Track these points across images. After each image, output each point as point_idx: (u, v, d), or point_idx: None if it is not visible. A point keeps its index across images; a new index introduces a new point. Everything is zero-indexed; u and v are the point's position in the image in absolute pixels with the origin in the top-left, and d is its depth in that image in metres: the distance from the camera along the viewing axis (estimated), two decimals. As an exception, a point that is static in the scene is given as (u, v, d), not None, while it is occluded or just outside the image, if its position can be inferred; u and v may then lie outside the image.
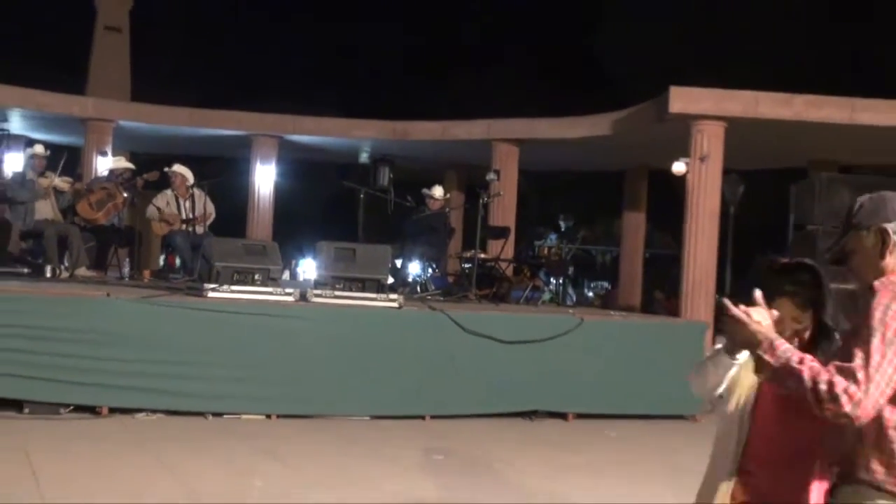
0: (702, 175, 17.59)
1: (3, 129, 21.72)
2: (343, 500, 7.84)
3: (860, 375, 3.54)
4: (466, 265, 18.05)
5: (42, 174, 15.05)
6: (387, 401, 11.92)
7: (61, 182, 15.29)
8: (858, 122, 17.65)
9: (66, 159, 16.81)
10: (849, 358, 3.64)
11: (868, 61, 35.85)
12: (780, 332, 4.00)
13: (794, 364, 3.64)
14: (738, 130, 17.61)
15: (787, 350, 3.73)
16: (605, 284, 28.47)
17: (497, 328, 12.32)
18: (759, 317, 3.90)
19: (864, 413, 3.55)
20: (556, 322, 12.56)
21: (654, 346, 13.18)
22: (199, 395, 11.21)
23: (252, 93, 32.12)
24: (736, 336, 3.95)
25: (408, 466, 9.44)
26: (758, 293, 3.99)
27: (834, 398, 3.53)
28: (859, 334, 3.74)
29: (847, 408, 3.52)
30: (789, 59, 35.98)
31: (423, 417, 11.94)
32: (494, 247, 19.38)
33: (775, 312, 3.98)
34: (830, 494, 4.02)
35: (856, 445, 3.83)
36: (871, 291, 3.88)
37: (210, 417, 11.12)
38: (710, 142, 17.50)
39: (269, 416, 11.40)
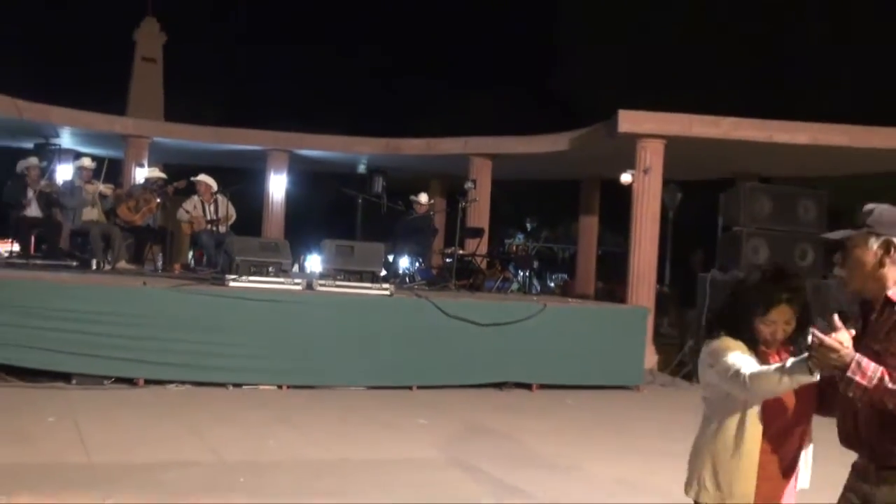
0: (645, 184, 17.58)
1: (55, 144, 21.62)
2: (344, 456, 7.82)
3: None
4: (448, 260, 18.05)
5: (88, 182, 15.03)
6: (380, 373, 11.95)
7: (105, 189, 15.28)
8: (775, 140, 17.67)
9: (108, 169, 16.77)
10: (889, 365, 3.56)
11: (784, 88, 35.91)
12: (776, 336, 4.02)
13: (889, 385, 3.49)
14: (675, 147, 17.59)
15: (875, 369, 3.53)
16: (564, 276, 28.58)
17: (473, 313, 12.36)
18: (844, 338, 3.63)
19: None
20: (522, 308, 12.59)
21: (605, 328, 13.25)
22: (222, 368, 11.22)
23: (267, 114, 32.09)
24: (826, 361, 3.58)
25: (399, 429, 9.47)
26: (836, 318, 3.68)
27: None
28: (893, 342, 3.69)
29: None
30: (721, 84, 36.07)
31: (410, 388, 11.96)
32: (471, 244, 19.35)
33: (853, 332, 3.69)
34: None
35: None
36: (888, 301, 3.78)
37: (230, 388, 11.13)
38: (652, 156, 17.48)
39: (280, 387, 11.40)
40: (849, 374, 3.51)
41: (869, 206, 3.91)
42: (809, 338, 3.65)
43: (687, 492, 4.06)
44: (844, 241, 3.95)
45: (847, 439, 3.89)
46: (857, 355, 3.53)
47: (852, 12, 38.55)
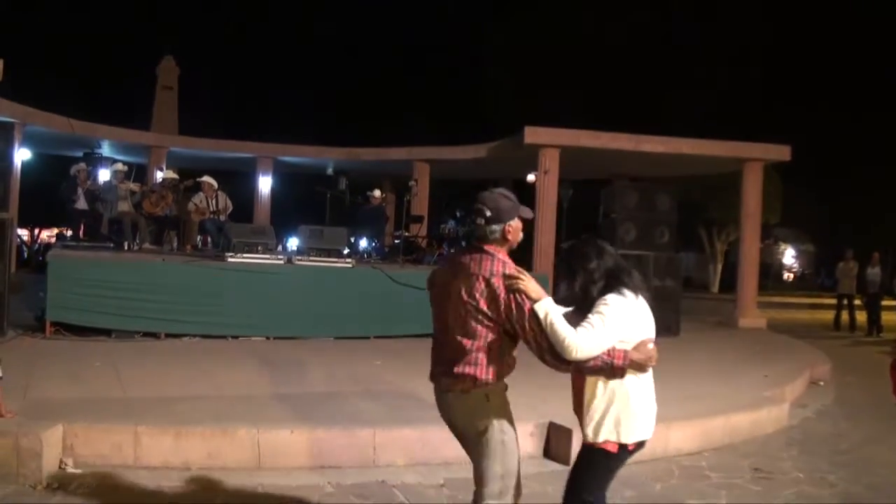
0: (545, 183, 17.79)
1: (97, 153, 21.52)
2: (316, 388, 7.93)
3: None
4: (396, 241, 18.13)
5: (122, 182, 15.01)
6: (345, 327, 12.06)
7: (134, 187, 15.24)
8: (642, 150, 17.97)
9: (137, 172, 16.75)
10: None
11: (651, 104, 36.28)
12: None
13: None
14: (567, 154, 17.82)
15: None
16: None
17: (415, 280, 12.42)
18: None
19: None
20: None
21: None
22: (223, 324, 11.31)
23: (256, 128, 32.05)
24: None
25: (358, 368, 9.57)
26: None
27: None
28: None
29: None
30: (604, 102, 36.50)
31: (368, 338, 12.08)
32: (414, 228, 19.46)
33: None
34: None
35: None
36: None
37: (230, 339, 11.20)
38: (550, 161, 17.70)
39: (268, 338, 11.49)
40: None
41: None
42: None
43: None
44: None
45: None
46: None
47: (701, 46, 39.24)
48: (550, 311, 3.68)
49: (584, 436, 3.92)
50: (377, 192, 18.40)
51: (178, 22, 51.13)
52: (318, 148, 24.98)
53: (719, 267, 44.99)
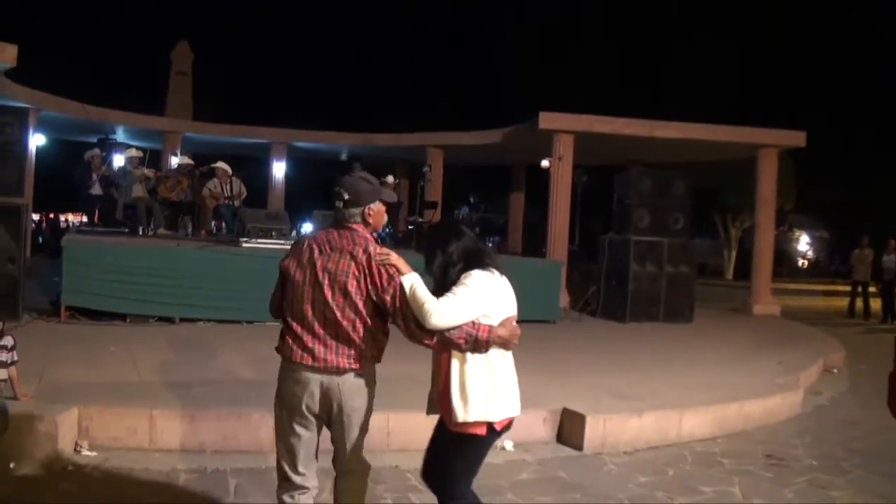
0: (559, 169, 17.72)
1: (112, 138, 21.60)
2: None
3: None
4: (410, 226, 18.15)
5: (136, 168, 15.05)
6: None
7: (148, 172, 15.27)
8: (656, 135, 17.87)
9: (151, 158, 16.82)
10: None
11: (666, 93, 36.21)
12: None
13: None
14: (582, 140, 17.75)
15: None
16: (498, 238, 28.67)
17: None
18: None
19: None
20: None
21: (530, 276, 13.30)
22: (238, 309, 11.27)
23: (270, 113, 32.06)
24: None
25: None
26: None
27: None
28: None
29: None
30: (620, 87, 36.45)
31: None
32: (428, 214, 19.46)
33: None
34: None
35: None
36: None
37: (244, 324, 11.19)
38: (564, 147, 17.62)
39: (282, 323, 11.49)
40: None
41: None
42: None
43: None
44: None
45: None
46: None
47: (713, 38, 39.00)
48: (416, 282, 3.76)
49: (451, 420, 3.80)
50: (391, 178, 18.38)
51: (192, 6, 51.23)
52: (332, 133, 24.96)
53: (734, 253, 44.86)
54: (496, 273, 3.94)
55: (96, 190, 14.90)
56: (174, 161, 18.07)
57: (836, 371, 11.90)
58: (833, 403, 9.66)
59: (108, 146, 19.07)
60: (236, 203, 15.31)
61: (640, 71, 39.75)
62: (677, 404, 7.59)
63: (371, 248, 3.88)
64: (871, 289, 20.59)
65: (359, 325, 3.84)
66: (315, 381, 3.90)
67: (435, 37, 54.30)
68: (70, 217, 36.06)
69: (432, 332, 3.72)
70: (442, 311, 3.67)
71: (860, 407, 9.50)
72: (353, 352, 3.86)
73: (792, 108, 36.68)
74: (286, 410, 4.03)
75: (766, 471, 6.59)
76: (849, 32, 47.87)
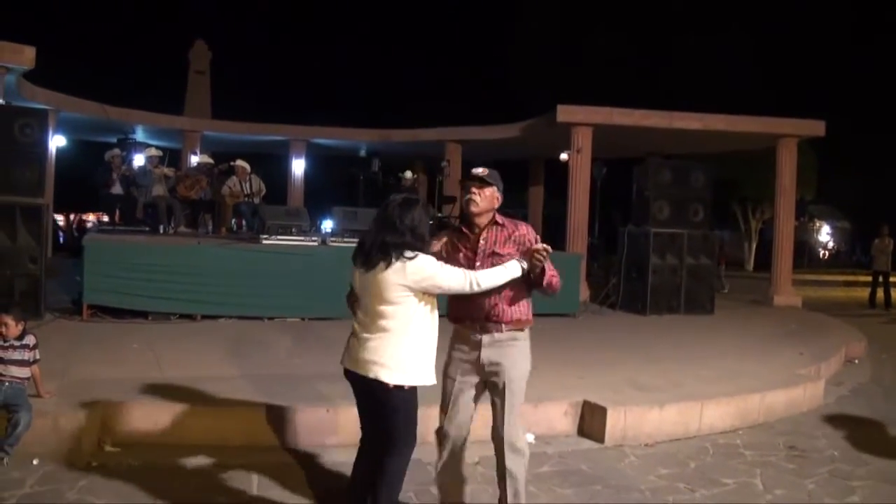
0: (578, 162, 17.69)
1: (131, 138, 21.77)
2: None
3: None
4: (430, 221, 18.15)
5: (156, 167, 15.13)
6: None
7: (168, 171, 15.39)
8: (675, 126, 17.82)
9: (170, 157, 16.92)
10: None
11: (685, 85, 36.05)
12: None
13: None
14: (601, 132, 17.70)
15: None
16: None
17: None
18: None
19: None
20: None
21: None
22: (259, 305, 11.35)
23: (290, 111, 32.18)
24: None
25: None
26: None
27: None
28: None
29: None
30: (638, 80, 36.34)
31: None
32: (447, 209, 19.47)
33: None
34: None
35: None
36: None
37: (265, 320, 11.25)
38: (583, 140, 17.58)
39: (303, 319, 11.53)
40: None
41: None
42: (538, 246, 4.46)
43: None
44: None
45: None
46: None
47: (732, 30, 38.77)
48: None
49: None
50: (409, 174, 18.45)
51: (209, 5, 51.37)
52: (350, 130, 25.04)
53: (754, 245, 44.64)
54: None
55: (116, 189, 14.99)
56: (193, 160, 18.17)
57: (857, 361, 11.83)
58: (855, 394, 9.60)
59: (128, 146, 19.21)
60: (256, 200, 15.37)
61: (658, 63, 39.57)
62: (698, 396, 7.56)
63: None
64: (892, 278, 20.44)
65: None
66: None
67: (452, 32, 54.26)
68: (91, 216, 36.30)
69: None
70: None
71: (883, 397, 9.45)
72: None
73: (811, 98, 36.50)
74: None
75: (788, 462, 6.56)
76: (869, 22, 47.52)
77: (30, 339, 5.95)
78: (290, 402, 6.46)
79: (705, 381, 8.28)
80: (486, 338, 4.57)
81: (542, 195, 27.99)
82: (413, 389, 4.30)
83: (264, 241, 11.89)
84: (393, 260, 4.23)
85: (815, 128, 18.21)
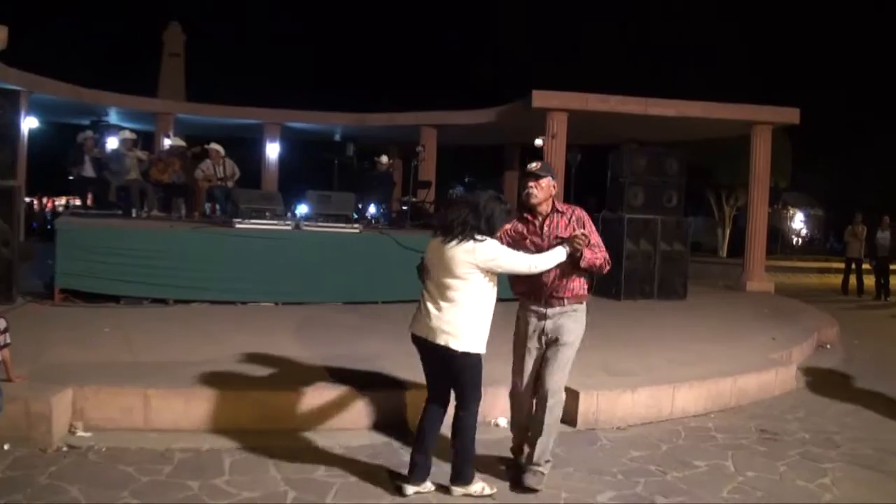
0: (553, 147, 17.73)
1: (104, 121, 21.60)
2: (330, 352, 7.93)
3: None
4: (404, 206, 18.14)
5: (129, 150, 15.02)
6: (353, 292, 12.04)
7: (141, 154, 15.25)
8: (650, 113, 17.89)
9: (144, 140, 16.81)
10: None
11: (660, 71, 36.14)
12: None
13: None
14: (576, 118, 17.75)
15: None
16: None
17: (422, 245, 12.37)
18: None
19: None
20: (460, 241, 12.56)
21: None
22: (232, 289, 11.31)
23: (263, 94, 32.04)
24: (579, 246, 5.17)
25: (368, 332, 9.55)
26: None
27: None
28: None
29: None
30: (612, 67, 36.38)
31: (376, 302, 12.07)
32: (421, 193, 19.46)
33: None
34: None
35: None
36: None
37: (239, 304, 11.21)
38: (558, 125, 17.63)
39: (276, 303, 11.49)
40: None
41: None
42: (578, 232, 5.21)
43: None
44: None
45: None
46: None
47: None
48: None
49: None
50: (384, 158, 18.43)
51: (183, -12, 50.95)
52: (325, 114, 24.97)
53: (727, 231, 44.90)
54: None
55: (89, 172, 14.88)
56: (166, 143, 18.04)
57: (829, 346, 11.94)
58: (826, 378, 9.69)
59: (101, 128, 19.02)
60: (229, 184, 15.31)
61: (637, 50, 39.66)
62: (671, 380, 7.61)
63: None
64: (865, 266, 20.64)
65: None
66: None
67: (429, 16, 54.10)
68: (66, 200, 36.06)
69: None
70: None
71: (854, 381, 9.55)
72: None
73: (787, 86, 36.69)
74: None
75: (760, 445, 6.63)
76: (847, 9, 47.80)
77: (0, 323, 5.90)
78: (262, 386, 6.45)
79: (678, 365, 8.34)
80: (550, 310, 5.40)
81: (516, 181, 28.02)
82: (478, 355, 4.93)
83: (238, 226, 11.83)
84: (466, 239, 4.85)
85: (790, 115, 18.33)
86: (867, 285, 20.46)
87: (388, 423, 6.41)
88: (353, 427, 6.33)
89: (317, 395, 6.40)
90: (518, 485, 5.32)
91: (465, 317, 4.88)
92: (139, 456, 5.53)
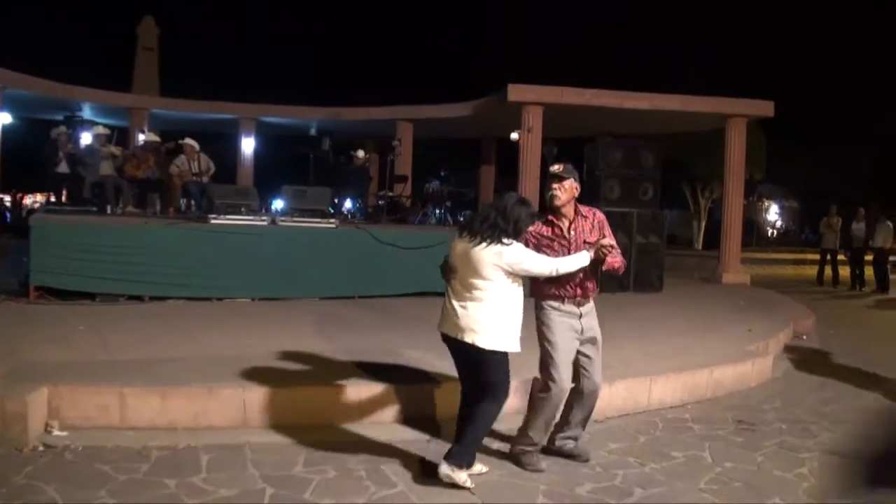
0: (529, 141, 17.76)
1: (77, 116, 21.47)
2: (308, 348, 7.91)
3: None
4: (380, 201, 18.12)
5: (103, 145, 14.94)
6: (329, 287, 12.04)
7: (115, 150, 15.19)
8: (626, 106, 17.97)
9: (118, 135, 16.70)
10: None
11: (637, 67, 36.24)
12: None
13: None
14: (552, 111, 17.78)
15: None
16: (470, 212, 28.70)
17: (399, 239, 12.49)
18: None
19: None
20: (437, 235, 12.62)
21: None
22: (208, 286, 11.29)
23: (238, 88, 31.86)
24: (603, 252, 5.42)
25: (347, 326, 9.54)
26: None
27: None
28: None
29: None
30: (591, 60, 36.44)
31: (353, 297, 12.07)
32: (398, 188, 19.46)
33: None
34: None
35: None
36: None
37: (215, 301, 11.18)
38: (534, 119, 17.66)
39: (252, 299, 11.48)
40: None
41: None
42: (605, 240, 5.41)
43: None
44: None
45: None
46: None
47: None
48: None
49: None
50: (360, 153, 18.40)
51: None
52: (300, 108, 24.86)
53: (703, 224, 45.13)
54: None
55: (63, 168, 14.77)
56: (140, 138, 17.93)
57: (805, 337, 12.03)
58: (802, 368, 9.76)
59: (75, 124, 18.90)
60: (204, 179, 15.24)
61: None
62: (647, 372, 7.64)
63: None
64: (840, 257, 20.80)
65: None
66: None
67: (406, 10, 54.00)
68: (38, 197, 35.78)
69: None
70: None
71: (829, 371, 9.62)
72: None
73: (762, 80, 36.84)
74: None
75: (737, 435, 6.66)
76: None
77: (-27, 321, 5.86)
78: (239, 383, 6.43)
79: (654, 357, 8.37)
80: (583, 309, 5.68)
81: (493, 174, 28.05)
82: (504, 353, 5.16)
83: (213, 221, 11.77)
84: (494, 242, 5.02)
85: (764, 108, 18.44)
86: (842, 276, 20.62)
87: (373, 419, 6.40)
88: (332, 423, 6.32)
89: (292, 391, 6.38)
90: (578, 457, 5.85)
91: (491, 315, 5.07)
92: (116, 454, 5.50)
